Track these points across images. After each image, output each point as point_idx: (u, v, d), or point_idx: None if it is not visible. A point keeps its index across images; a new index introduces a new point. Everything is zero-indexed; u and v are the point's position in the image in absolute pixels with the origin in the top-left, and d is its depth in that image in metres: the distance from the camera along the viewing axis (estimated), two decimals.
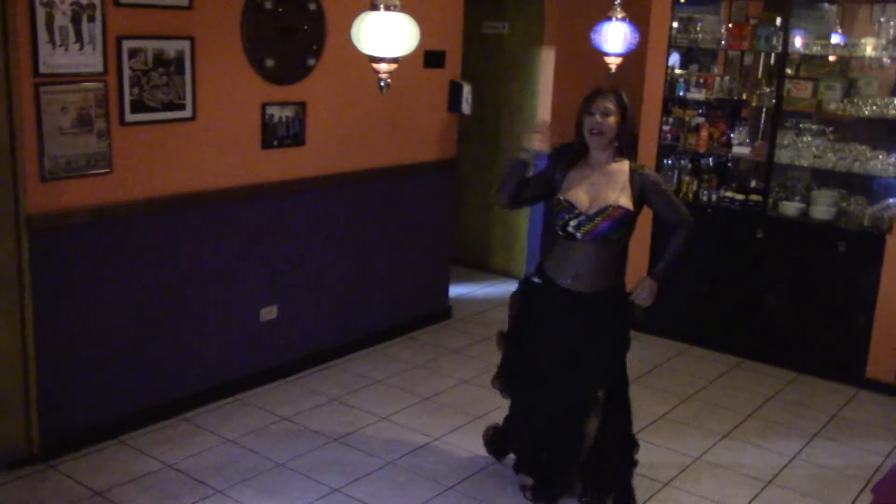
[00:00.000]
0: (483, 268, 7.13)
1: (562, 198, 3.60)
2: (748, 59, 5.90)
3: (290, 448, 4.15)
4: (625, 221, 3.55)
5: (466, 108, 5.56)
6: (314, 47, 4.65)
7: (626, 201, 3.53)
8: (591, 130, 3.56)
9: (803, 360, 5.35)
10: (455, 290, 6.35)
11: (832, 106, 5.23)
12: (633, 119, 3.67)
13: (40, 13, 3.53)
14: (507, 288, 6.73)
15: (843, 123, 5.39)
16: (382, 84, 3.10)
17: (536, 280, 3.76)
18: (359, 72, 4.87)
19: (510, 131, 6.78)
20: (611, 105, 3.54)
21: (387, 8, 3.01)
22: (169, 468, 3.92)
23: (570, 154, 3.68)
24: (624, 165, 3.60)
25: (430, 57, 5.29)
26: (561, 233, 3.61)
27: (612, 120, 3.54)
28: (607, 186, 3.57)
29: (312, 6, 4.59)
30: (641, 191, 3.57)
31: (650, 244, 5.59)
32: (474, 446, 4.25)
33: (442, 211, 5.76)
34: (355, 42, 3.04)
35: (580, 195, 3.58)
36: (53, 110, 3.65)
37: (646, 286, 3.67)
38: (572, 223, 3.55)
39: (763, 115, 5.66)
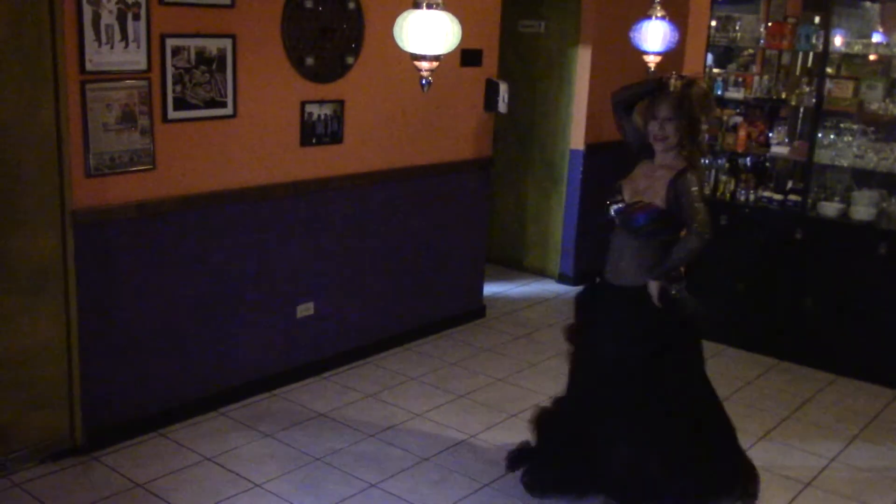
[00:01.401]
0: (517, 267, 7.13)
1: (620, 182, 3.71)
2: (785, 59, 5.85)
3: (327, 443, 4.18)
4: (658, 218, 3.53)
5: (503, 106, 5.57)
6: (353, 46, 4.68)
7: (660, 200, 3.54)
8: (654, 136, 3.59)
9: (842, 362, 5.30)
10: (489, 289, 6.35)
11: (874, 106, 5.17)
12: (703, 121, 3.61)
13: (87, 12, 3.59)
14: (541, 287, 6.77)
15: (885, 123, 5.32)
16: (424, 82, 3.11)
17: (598, 279, 3.83)
18: (396, 70, 4.90)
19: (545, 130, 6.78)
20: (671, 111, 3.52)
21: (429, 6, 3.01)
22: (208, 461, 3.96)
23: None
24: (678, 168, 3.55)
25: (466, 55, 5.30)
26: (606, 215, 3.70)
27: (671, 126, 3.53)
28: (653, 184, 3.58)
29: (351, 5, 4.62)
30: (675, 192, 3.52)
31: None
32: (510, 444, 4.25)
33: (477, 209, 5.77)
34: (398, 40, 3.05)
35: (631, 184, 3.65)
36: (99, 107, 3.71)
37: (652, 289, 3.59)
38: (613, 207, 3.65)
39: (801, 115, 5.61)
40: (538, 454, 3.90)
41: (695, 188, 3.50)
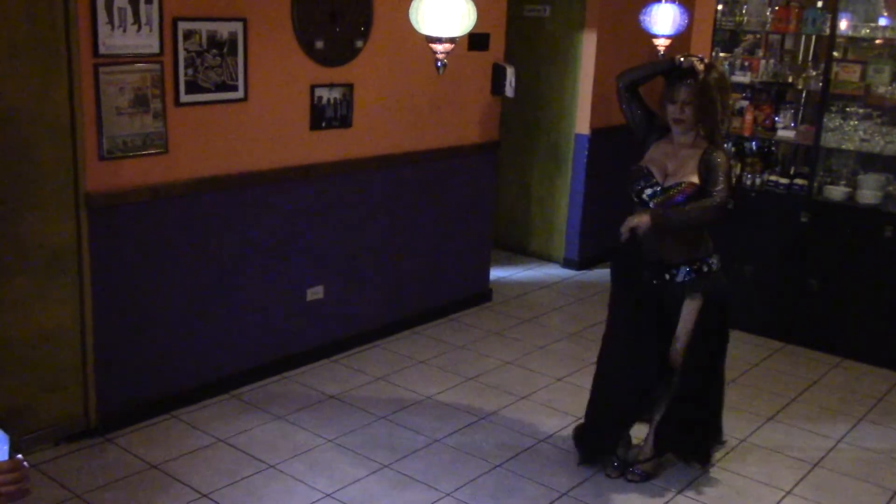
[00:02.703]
0: (522, 251, 7.15)
1: (642, 164, 3.67)
2: (788, 43, 5.86)
3: (339, 425, 4.21)
4: (697, 196, 3.56)
5: (510, 90, 5.57)
6: (362, 29, 4.68)
7: (696, 178, 3.57)
8: (673, 118, 3.61)
9: (847, 344, 5.33)
10: (495, 273, 6.38)
11: (881, 89, 5.19)
12: (721, 104, 3.59)
13: None
14: (547, 271, 6.80)
15: (891, 107, 5.34)
16: (440, 64, 3.13)
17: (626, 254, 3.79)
18: (405, 54, 4.90)
19: (550, 115, 6.79)
20: (689, 95, 3.54)
21: None
22: (222, 443, 3.99)
23: (661, 124, 3.72)
24: (702, 147, 3.61)
25: (474, 39, 5.30)
26: (636, 199, 3.68)
27: (690, 109, 3.56)
28: (684, 163, 3.61)
29: None
30: (707, 167, 3.57)
31: None
32: (520, 425, 4.29)
33: (484, 193, 5.79)
34: (413, 23, 3.07)
35: (658, 166, 3.65)
36: (112, 91, 3.72)
37: (644, 216, 3.55)
38: (647, 191, 3.63)
39: (804, 99, 5.63)
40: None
41: (724, 165, 3.57)
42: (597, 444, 3.94)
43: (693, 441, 3.90)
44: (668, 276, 3.68)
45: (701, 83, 3.53)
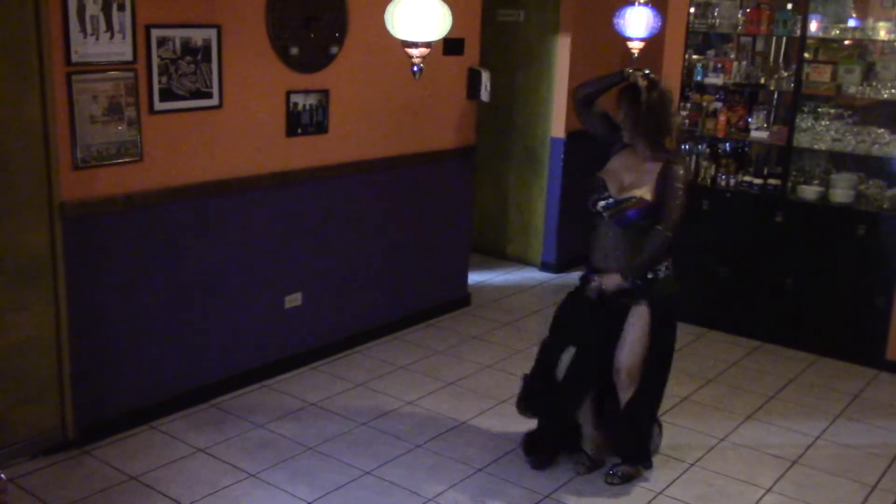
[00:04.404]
0: (499, 255, 7.16)
1: (599, 175, 3.72)
2: (760, 44, 5.92)
3: (319, 432, 4.19)
4: (651, 213, 3.60)
5: (485, 95, 5.59)
6: (337, 35, 4.67)
7: (652, 195, 3.59)
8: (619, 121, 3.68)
9: (823, 342, 5.39)
10: (473, 278, 6.38)
11: (851, 89, 5.25)
12: (661, 111, 3.60)
13: (72, 2, 3.57)
14: (524, 275, 6.81)
15: (862, 107, 5.41)
16: (416, 69, 3.12)
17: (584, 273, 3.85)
18: (381, 59, 4.90)
19: (526, 119, 6.81)
20: (619, 99, 3.62)
21: None
22: (201, 453, 3.96)
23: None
24: (662, 160, 3.62)
25: (449, 44, 5.31)
26: (591, 208, 3.72)
27: (628, 122, 3.62)
28: (640, 178, 3.63)
29: None
30: (663, 183, 3.59)
31: None
32: (501, 428, 4.29)
33: (461, 198, 5.79)
34: (389, 27, 3.06)
35: (615, 178, 3.68)
36: (85, 99, 3.69)
37: (612, 278, 3.67)
38: (601, 203, 3.67)
39: (776, 100, 5.69)
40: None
41: (679, 184, 3.58)
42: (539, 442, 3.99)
43: (638, 443, 3.91)
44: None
45: (627, 90, 3.59)
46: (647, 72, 3.63)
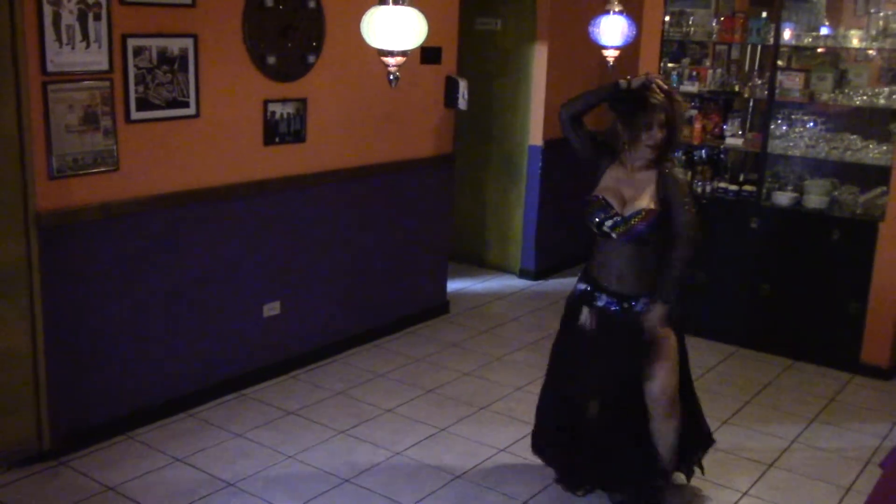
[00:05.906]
0: (478, 263, 7.18)
1: (600, 196, 3.56)
2: (735, 52, 5.98)
3: (298, 441, 4.19)
4: (658, 223, 3.50)
5: (463, 103, 5.61)
6: (314, 44, 4.68)
7: (655, 204, 3.48)
8: (648, 144, 3.47)
9: (799, 347, 5.44)
10: (452, 286, 6.39)
11: (824, 96, 5.31)
12: (681, 123, 3.54)
13: (48, 12, 3.56)
14: (503, 282, 6.83)
15: (835, 113, 5.48)
16: (392, 78, 3.14)
17: (582, 286, 3.71)
18: (358, 68, 4.92)
19: (504, 127, 6.84)
20: (664, 118, 3.44)
21: (395, 2, 3.05)
22: (179, 462, 3.95)
23: (609, 149, 3.62)
24: (655, 168, 3.53)
25: (426, 53, 5.34)
26: (596, 231, 3.56)
27: (663, 133, 3.46)
28: (641, 189, 3.51)
29: (312, 4, 4.63)
30: (665, 191, 3.50)
31: None
32: (480, 436, 4.30)
33: (440, 206, 5.81)
34: (365, 36, 3.08)
35: (615, 195, 3.53)
36: (61, 108, 3.68)
37: (657, 312, 3.55)
38: (608, 223, 3.51)
39: (751, 107, 5.75)
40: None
41: (685, 184, 3.55)
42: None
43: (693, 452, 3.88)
44: (626, 306, 3.60)
45: (671, 106, 3.44)
46: (652, 76, 3.51)
